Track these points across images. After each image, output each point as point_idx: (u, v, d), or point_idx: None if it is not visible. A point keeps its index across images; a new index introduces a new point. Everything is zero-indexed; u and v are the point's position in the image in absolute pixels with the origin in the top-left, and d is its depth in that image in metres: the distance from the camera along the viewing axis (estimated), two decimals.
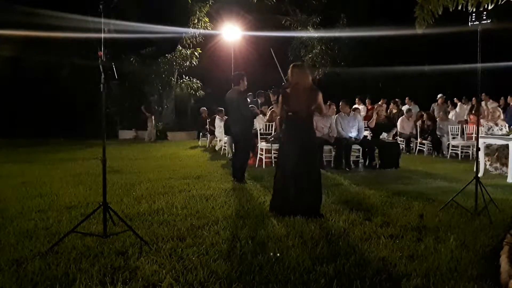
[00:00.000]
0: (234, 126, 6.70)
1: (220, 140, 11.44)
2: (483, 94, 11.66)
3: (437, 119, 11.35)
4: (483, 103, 11.59)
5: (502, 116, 8.58)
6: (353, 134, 8.45)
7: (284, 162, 4.50)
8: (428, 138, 10.85)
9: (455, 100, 13.64)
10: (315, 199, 4.40)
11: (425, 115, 11.53)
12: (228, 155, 9.49)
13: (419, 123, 11.36)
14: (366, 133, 9.35)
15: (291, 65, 4.64)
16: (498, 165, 7.57)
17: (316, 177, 4.47)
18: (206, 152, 11.40)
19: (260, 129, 8.21)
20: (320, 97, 4.56)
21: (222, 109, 11.23)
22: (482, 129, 7.76)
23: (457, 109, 13.12)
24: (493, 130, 7.73)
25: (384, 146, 8.57)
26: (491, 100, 11.95)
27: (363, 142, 8.52)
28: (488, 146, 7.58)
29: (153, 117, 15.74)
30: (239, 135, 6.52)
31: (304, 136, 4.49)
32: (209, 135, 12.93)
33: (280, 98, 4.62)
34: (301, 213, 4.19)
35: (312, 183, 4.41)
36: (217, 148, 11.66)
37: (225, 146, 10.34)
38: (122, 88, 16.74)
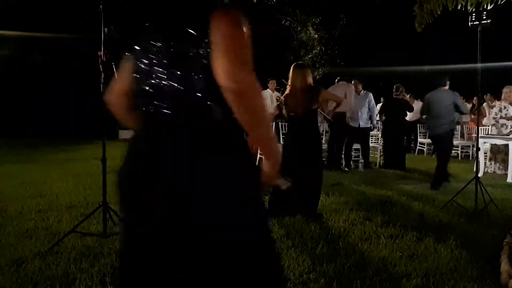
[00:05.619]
0: None
1: None
2: (488, 94, 11.54)
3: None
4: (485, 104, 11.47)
5: None
6: (361, 122, 7.90)
7: (285, 162, 4.46)
8: (428, 138, 10.85)
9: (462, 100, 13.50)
10: (313, 201, 4.36)
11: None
12: None
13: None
14: None
15: (292, 65, 4.59)
16: (498, 165, 7.57)
17: (317, 179, 4.43)
18: None
19: None
20: (324, 94, 4.61)
21: None
22: (494, 110, 7.50)
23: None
24: (507, 110, 7.39)
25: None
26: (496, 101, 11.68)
27: (363, 140, 8.25)
28: (491, 147, 7.56)
29: None
30: None
31: (304, 137, 4.45)
32: None
33: (282, 98, 4.70)
34: (298, 213, 4.17)
35: (312, 185, 4.37)
36: None
37: None
38: None
